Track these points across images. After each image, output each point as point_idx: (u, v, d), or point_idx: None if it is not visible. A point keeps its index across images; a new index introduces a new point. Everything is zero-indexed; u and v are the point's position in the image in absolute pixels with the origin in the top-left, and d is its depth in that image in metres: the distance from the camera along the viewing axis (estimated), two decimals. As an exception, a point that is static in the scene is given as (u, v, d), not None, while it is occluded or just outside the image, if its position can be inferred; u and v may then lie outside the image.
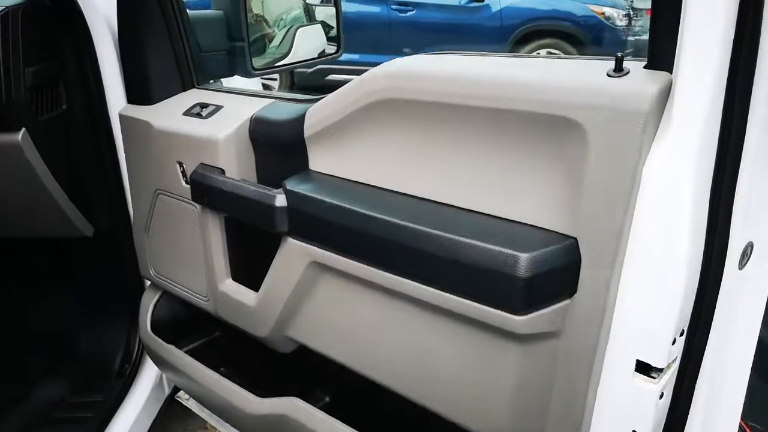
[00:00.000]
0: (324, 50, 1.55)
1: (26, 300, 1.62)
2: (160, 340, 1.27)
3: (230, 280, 1.10)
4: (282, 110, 1.03)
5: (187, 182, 1.10)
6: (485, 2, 5.67)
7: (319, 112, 0.93)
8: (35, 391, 1.43)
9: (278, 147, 1.02)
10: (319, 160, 0.95)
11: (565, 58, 0.73)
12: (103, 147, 1.30)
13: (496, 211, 0.73)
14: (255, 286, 1.05)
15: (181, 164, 1.11)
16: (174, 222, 1.18)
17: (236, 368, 1.22)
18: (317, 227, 0.87)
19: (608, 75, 0.64)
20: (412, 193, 0.82)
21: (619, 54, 0.64)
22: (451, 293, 0.72)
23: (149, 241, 1.27)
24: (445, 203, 0.78)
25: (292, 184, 0.91)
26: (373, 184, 0.86)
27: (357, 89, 0.85)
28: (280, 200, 0.91)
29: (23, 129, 1.16)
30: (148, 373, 1.42)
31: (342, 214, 0.83)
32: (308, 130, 0.94)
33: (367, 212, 0.80)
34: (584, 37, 5.77)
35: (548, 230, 0.69)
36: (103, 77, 1.25)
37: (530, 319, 0.66)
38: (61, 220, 1.33)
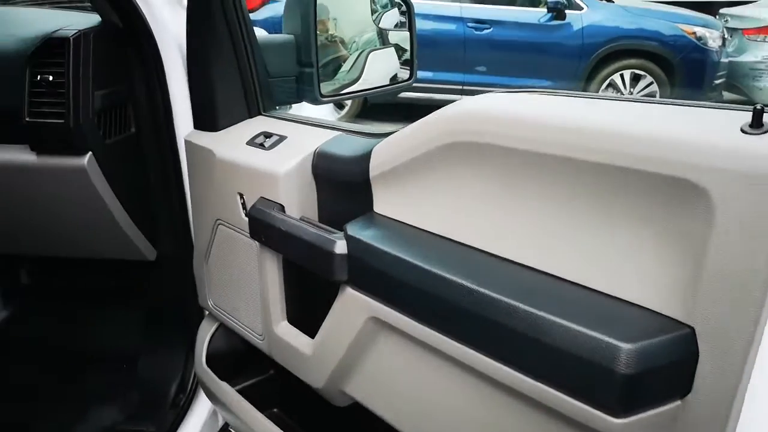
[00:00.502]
0: (396, 74, 1.47)
1: (88, 319, 1.63)
2: (213, 376, 1.22)
3: (286, 322, 1.04)
4: (347, 145, 0.95)
5: (246, 215, 1.05)
6: (567, 20, 5.47)
7: (387, 151, 0.84)
8: (91, 414, 1.42)
9: (342, 184, 0.94)
10: (384, 203, 0.86)
11: (685, 104, 0.60)
12: (169, 171, 1.28)
13: (591, 283, 0.62)
14: (311, 331, 0.98)
15: (241, 196, 1.05)
16: (233, 255, 1.13)
17: (289, 411, 1.15)
18: (379, 280, 0.79)
19: (743, 131, 0.51)
20: (489, 251, 0.71)
21: (758, 106, 0.51)
22: (530, 377, 0.61)
23: (208, 271, 1.23)
24: (528, 266, 0.67)
25: (353, 229, 0.83)
26: (445, 235, 0.76)
27: (430, 128, 0.76)
28: (340, 246, 0.83)
29: (89, 153, 1.15)
30: (202, 406, 1.38)
31: (407, 269, 0.74)
32: (374, 169, 0.86)
33: (436, 270, 0.70)
34: (672, 57, 5.45)
35: (657, 313, 0.57)
36: (171, 101, 1.23)
37: (630, 423, 0.54)
38: (124, 243, 1.32)
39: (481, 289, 0.65)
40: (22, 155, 1.14)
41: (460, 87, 5.63)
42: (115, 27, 1.18)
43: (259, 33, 1.29)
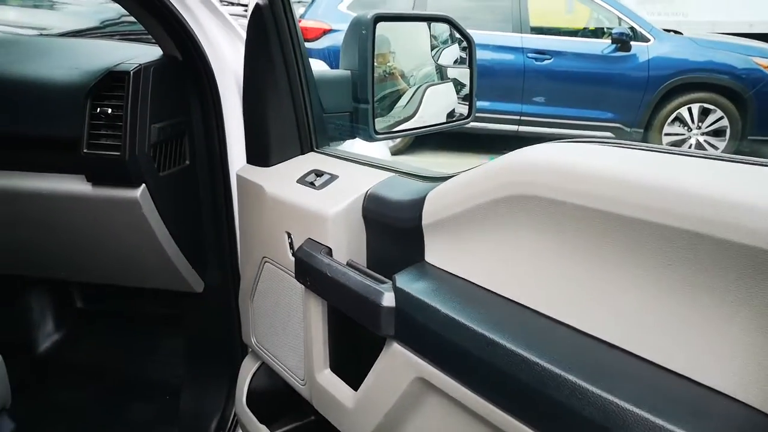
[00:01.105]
0: (453, 110, 1.42)
1: (136, 346, 1.63)
2: (253, 417, 1.18)
3: (329, 370, 0.99)
4: (400, 188, 0.90)
5: (293, 255, 1.01)
6: (632, 52, 5.31)
7: (442, 198, 0.79)
8: None
9: (392, 230, 0.89)
10: (437, 253, 0.81)
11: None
12: (220, 205, 1.26)
13: (671, 364, 0.54)
14: (355, 381, 0.93)
15: (289, 235, 1.02)
16: (278, 294, 1.10)
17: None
18: (428, 339, 0.73)
19: None
20: (552, 315, 0.64)
21: None
22: None
23: (253, 308, 1.20)
24: (595, 337, 0.60)
25: (403, 280, 0.78)
26: (501, 293, 0.70)
27: (488, 178, 0.71)
28: (388, 299, 0.77)
29: (143, 185, 1.15)
30: (240, 446, 1.34)
31: (459, 330, 0.67)
32: (428, 216, 0.80)
33: (492, 336, 0.63)
34: (745, 92, 5.19)
35: (748, 406, 0.48)
36: (226, 135, 1.23)
37: None
38: (173, 274, 1.31)
39: (543, 363, 0.58)
40: (78, 185, 1.16)
41: (518, 117, 5.53)
42: (175, 60, 1.19)
43: (317, 66, 1.27)
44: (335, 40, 5.19)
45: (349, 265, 0.91)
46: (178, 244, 1.27)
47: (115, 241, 1.25)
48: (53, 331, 1.69)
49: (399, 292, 0.77)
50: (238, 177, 1.17)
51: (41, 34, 1.85)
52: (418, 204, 0.82)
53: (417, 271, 0.80)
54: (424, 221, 0.81)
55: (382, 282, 0.82)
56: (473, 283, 0.74)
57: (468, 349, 0.66)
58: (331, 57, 4.97)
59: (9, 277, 1.47)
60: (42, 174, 1.19)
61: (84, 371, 1.62)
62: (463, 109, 1.40)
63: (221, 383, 1.42)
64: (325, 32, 5.47)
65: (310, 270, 0.93)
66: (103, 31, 1.75)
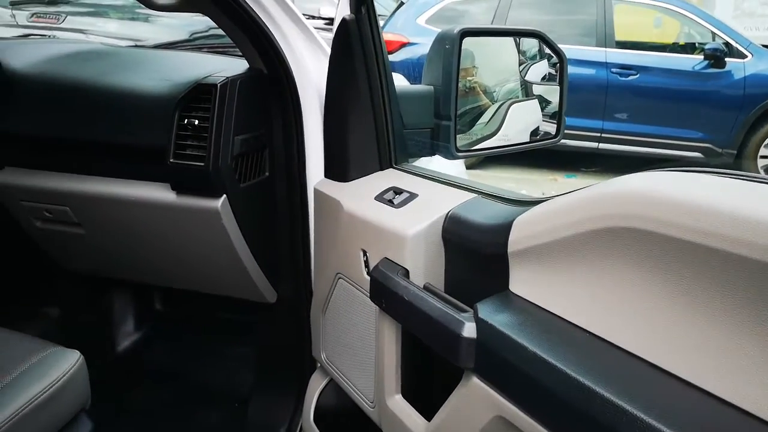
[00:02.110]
0: (537, 128, 1.36)
1: (209, 350, 1.66)
2: None
3: (400, 396, 0.95)
4: (484, 211, 0.86)
5: (368, 274, 0.99)
6: (726, 68, 4.99)
7: (531, 225, 0.74)
8: None
9: (474, 254, 0.85)
10: (523, 283, 0.76)
11: None
12: (296, 218, 1.26)
13: None
14: (427, 410, 0.88)
15: (365, 253, 1.00)
16: (351, 312, 1.08)
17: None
18: (512, 376, 0.68)
19: None
20: (657, 364, 0.58)
21: None
22: None
23: (324, 323, 1.18)
24: (715, 395, 0.53)
25: (485, 311, 0.73)
26: (599, 335, 0.64)
27: (585, 207, 0.65)
28: (469, 329, 0.73)
29: (224, 196, 1.17)
30: (306, 462, 1.33)
31: (548, 370, 0.62)
32: (514, 243, 0.76)
33: (587, 382, 0.58)
34: None
35: None
36: (306, 149, 1.23)
37: None
38: (247, 283, 1.33)
39: (647, 418, 0.52)
40: (163, 193, 1.19)
41: (598, 134, 5.32)
42: (260, 73, 1.21)
43: (397, 81, 1.25)
44: (412, 52, 5.20)
45: (427, 288, 0.87)
46: (254, 255, 1.28)
47: (194, 249, 1.28)
48: (132, 331, 1.76)
49: (481, 323, 0.72)
50: (316, 191, 1.17)
51: (136, 46, 1.94)
52: (504, 229, 0.77)
53: (501, 302, 0.75)
54: (510, 248, 0.76)
55: (463, 310, 0.77)
56: (564, 320, 0.69)
57: (557, 392, 0.61)
58: (407, 69, 4.98)
59: (95, 277, 1.54)
60: (131, 181, 1.23)
61: (159, 373, 1.67)
62: (549, 128, 1.34)
63: (289, 396, 1.41)
64: (403, 45, 5.49)
65: (385, 291, 0.90)
66: (193, 43, 1.81)
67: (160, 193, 1.20)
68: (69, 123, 1.25)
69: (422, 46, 5.16)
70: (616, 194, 0.62)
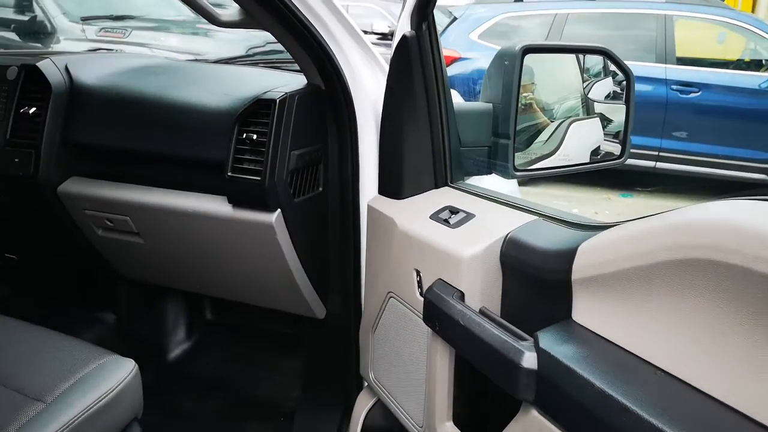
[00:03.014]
0: (598, 148, 1.31)
1: (256, 361, 1.67)
2: None
3: (451, 423, 0.92)
4: (546, 235, 0.83)
5: (421, 294, 0.97)
6: (798, 87, 4.75)
7: (599, 252, 0.70)
8: None
9: (534, 280, 0.81)
10: (587, 312, 0.72)
11: None
12: (348, 234, 1.26)
13: None
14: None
15: (418, 273, 0.98)
16: (402, 333, 1.05)
17: None
18: (576, 413, 0.64)
19: None
20: (743, 411, 0.53)
21: None
22: None
23: (373, 342, 1.17)
24: None
25: (546, 341, 0.70)
26: (673, 373, 0.60)
27: (663, 235, 0.61)
28: (529, 360, 0.70)
29: (278, 210, 1.17)
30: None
31: (618, 412, 0.58)
32: (579, 270, 0.72)
33: (663, 426, 0.54)
34: None
35: None
36: (360, 165, 1.22)
37: None
38: (297, 298, 1.32)
39: None
40: (220, 206, 1.20)
41: (656, 153, 5.14)
42: (318, 89, 1.21)
43: (453, 97, 1.24)
44: (464, 68, 5.17)
45: (483, 313, 0.84)
46: (305, 270, 1.27)
47: (247, 262, 1.29)
48: (183, 339, 1.79)
49: (542, 354, 0.69)
50: (369, 208, 1.16)
51: (197, 60, 2.00)
52: (568, 255, 0.74)
53: (563, 331, 0.71)
54: (575, 275, 0.72)
55: (522, 338, 0.74)
56: (634, 355, 0.65)
57: None
58: (458, 85, 4.96)
59: (150, 285, 1.57)
60: (189, 193, 1.26)
61: (207, 382, 1.69)
62: (611, 148, 1.29)
63: (335, 413, 1.40)
64: (454, 60, 5.48)
65: (439, 314, 0.87)
66: (252, 58, 1.85)
67: (216, 205, 1.21)
68: (133, 135, 1.29)
69: (474, 61, 5.13)
70: (698, 223, 0.58)
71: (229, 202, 1.19)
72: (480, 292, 0.87)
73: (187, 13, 4.76)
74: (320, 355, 1.48)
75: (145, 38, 4.52)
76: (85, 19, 4.67)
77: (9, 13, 4.43)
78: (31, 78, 1.34)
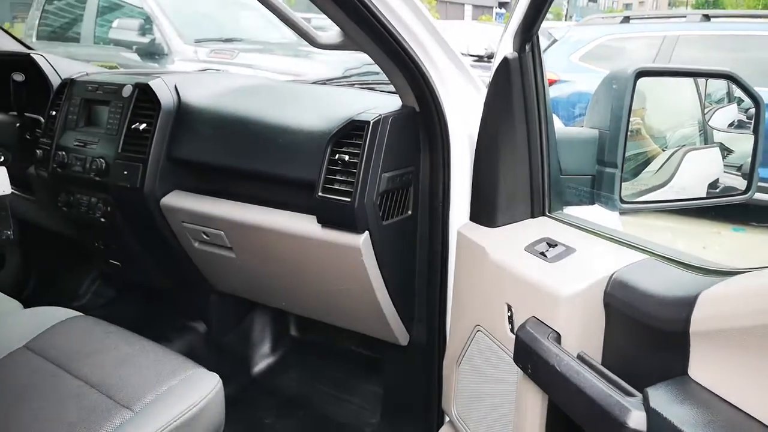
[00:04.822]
0: (717, 180, 1.19)
1: (337, 383, 1.65)
2: None
3: (540, 474, 0.84)
4: (659, 278, 0.74)
5: (512, 331, 0.90)
6: None
7: (725, 302, 0.61)
8: None
9: (644, 328, 0.73)
10: (708, 370, 0.63)
11: None
12: (436, 261, 1.21)
13: None
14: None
15: (510, 308, 0.92)
16: (489, 371, 0.99)
17: None
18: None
19: None
20: None
21: None
22: None
23: (458, 375, 1.11)
24: None
25: (659, 399, 0.62)
26: None
27: None
28: (637, 420, 0.62)
29: (366, 233, 1.15)
30: None
31: None
32: (700, 322, 0.63)
33: None
34: None
35: None
36: (451, 189, 1.18)
37: None
38: (381, 323, 1.29)
39: None
40: (309, 226, 1.20)
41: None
42: (413, 111, 1.19)
43: (555, 123, 1.17)
44: (561, 90, 5.01)
45: (582, 359, 0.77)
46: (390, 295, 1.24)
47: (332, 283, 1.28)
48: (268, 353, 1.81)
49: (653, 415, 0.61)
50: (459, 234, 1.11)
51: (296, 81, 2.05)
52: (686, 303, 0.65)
53: (679, 390, 0.63)
54: (694, 327, 0.64)
55: (628, 393, 0.66)
56: (763, 425, 0.55)
57: None
58: (555, 108, 4.79)
59: (240, 298, 1.61)
60: (280, 211, 1.27)
61: (289, 398, 1.69)
62: (732, 181, 1.16)
63: (415, 445, 1.35)
64: (552, 83, 5.32)
65: (532, 355, 0.81)
66: (347, 79, 1.87)
67: (306, 224, 1.21)
68: (232, 153, 1.32)
69: (573, 84, 4.96)
70: None
71: (318, 221, 1.19)
72: (579, 335, 0.79)
73: (290, 36, 4.98)
74: (401, 382, 1.44)
75: (250, 59, 4.77)
76: (198, 42, 5.00)
77: (132, 36, 4.83)
78: (143, 96, 1.43)
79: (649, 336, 0.72)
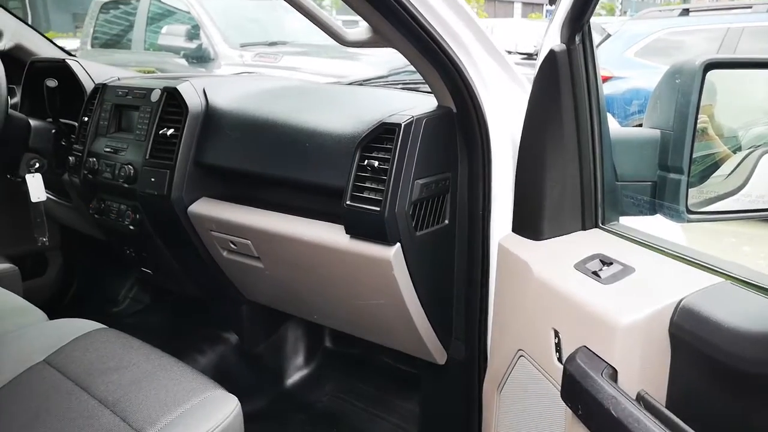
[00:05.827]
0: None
1: (371, 399, 1.57)
2: None
3: None
4: (739, 306, 0.62)
5: (559, 360, 0.79)
6: None
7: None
8: None
9: (720, 366, 0.61)
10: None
11: None
12: (475, 276, 1.11)
13: None
14: None
15: (557, 333, 0.81)
16: (532, 401, 0.88)
17: None
18: None
19: None
20: None
21: None
22: None
23: (500, 402, 1.00)
24: None
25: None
26: None
27: None
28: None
29: (397, 244, 1.06)
30: None
31: None
32: (794, 366, 0.51)
33: None
34: None
35: None
36: (492, 197, 1.07)
37: None
38: (415, 340, 1.20)
39: None
40: (336, 236, 1.12)
41: None
42: (450, 112, 1.09)
43: (611, 123, 1.04)
44: (616, 87, 4.78)
45: (642, 400, 0.65)
46: (425, 311, 1.15)
47: (362, 296, 1.19)
48: (302, 365, 1.74)
49: None
50: (500, 247, 1.00)
51: (335, 82, 1.98)
52: None
53: None
54: None
55: None
56: None
57: None
58: (610, 106, 4.57)
59: (272, 309, 1.54)
60: (308, 220, 1.19)
61: (321, 413, 1.62)
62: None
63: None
64: (606, 80, 5.08)
65: (583, 394, 0.69)
66: (386, 80, 1.78)
67: (333, 234, 1.13)
68: (259, 158, 1.26)
69: (628, 81, 4.72)
70: None
71: (347, 232, 1.10)
72: (639, 371, 0.68)
73: (334, 38, 4.93)
74: (440, 403, 1.34)
75: (294, 62, 4.76)
76: (243, 46, 5.04)
77: (180, 42, 4.90)
78: (171, 100, 1.38)
79: (727, 377, 0.60)
